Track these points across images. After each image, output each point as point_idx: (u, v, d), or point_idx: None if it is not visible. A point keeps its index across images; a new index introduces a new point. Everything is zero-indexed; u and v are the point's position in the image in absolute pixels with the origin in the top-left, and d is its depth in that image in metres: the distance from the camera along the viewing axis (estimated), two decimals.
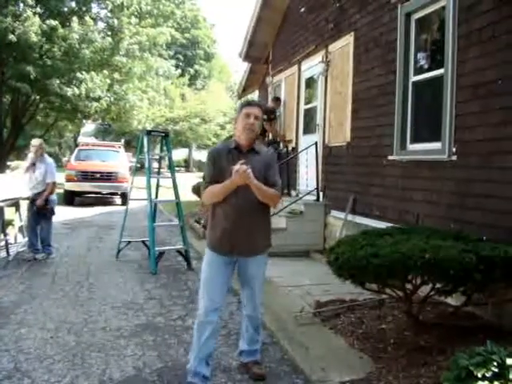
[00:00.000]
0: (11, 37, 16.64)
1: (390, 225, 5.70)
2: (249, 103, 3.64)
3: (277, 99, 11.20)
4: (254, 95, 18.65)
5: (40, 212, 7.77)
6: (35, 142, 8.04)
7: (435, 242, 3.87)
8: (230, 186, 3.35)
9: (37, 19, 17.19)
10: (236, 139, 3.58)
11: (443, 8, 5.52)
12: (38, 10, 18.15)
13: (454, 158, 5.21)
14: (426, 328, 4.28)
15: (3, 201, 7.68)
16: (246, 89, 14.90)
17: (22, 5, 17.71)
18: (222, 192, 3.41)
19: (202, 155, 48.10)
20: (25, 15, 17.02)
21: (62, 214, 12.57)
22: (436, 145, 5.55)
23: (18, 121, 20.99)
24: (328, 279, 5.66)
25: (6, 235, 7.89)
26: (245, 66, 13.89)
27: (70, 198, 16.17)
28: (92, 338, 4.45)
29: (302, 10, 9.91)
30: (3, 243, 7.68)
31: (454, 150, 5.23)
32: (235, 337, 4.54)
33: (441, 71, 5.49)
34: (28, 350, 4.12)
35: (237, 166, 3.24)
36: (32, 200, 7.83)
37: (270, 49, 12.18)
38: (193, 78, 43.58)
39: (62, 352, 4.11)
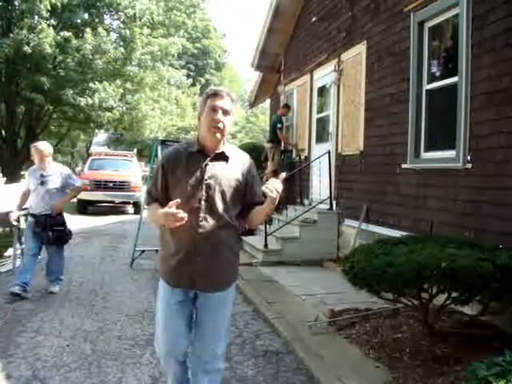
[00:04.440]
0: (26, 48, 16.89)
1: (404, 233, 5.70)
2: (216, 92, 2.70)
3: (286, 106, 11.24)
4: (266, 104, 18.74)
5: (54, 235, 6.12)
6: (43, 146, 6.28)
7: (451, 251, 3.86)
8: (159, 220, 2.58)
9: (51, 31, 17.44)
10: (200, 140, 2.75)
11: (456, 16, 5.53)
12: (52, 21, 18.40)
13: (469, 166, 5.20)
14: (442, 337, 4.25)
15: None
16: (257, 98, 14.98)
17: (36, 17, 17.93)
18: (155, 222, 2.70)
19: None
20: (39, 27, 17.25)
21: (76, 223, 12.66)
22: (450, 153, 5.54)
23: (32, 131, 21.21)
24: (342, 288, 5.67)
25: (22, 244, 7.95)
26: (256, 75, 13.97)
27: (83, 207, 16.30)
28: (108, 346, 4.48)
29: (314, 19, 9.95)
30: (19, 251, 7.73)
31: (468, 158, 5.21)
32: (250, 346, 4.56)
33: (455, 79, 5.49)
34: (45, 358, 4.15)
35: (172, 210, 2.47)
36: (38, 221, 6.11)
37: (281, 58, 12.24)
38: (204, 87, 43.78)
39: (79, 360, 4.13)
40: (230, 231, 2.76)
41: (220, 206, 2.68)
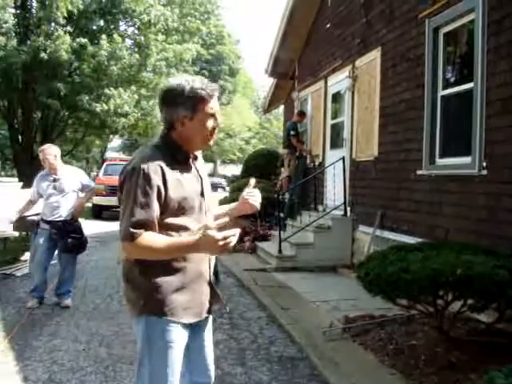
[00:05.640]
0: (43, 55, 17.08)
1: (418, 240, 5.67)
2: (212, 94, 2.21)
3: (302, 113, 11.24)
4: (280, 110, 18.77)
5: (71, 243, 5.87)
6: (51, 149, 5.95)
7: (466, 258, 3.84)
8: (193, 252, 2.12)
9: (67, 37, 17.62)
10: (181, 143, 2.21)
11: (472, 22, 5.51)
12: (69, 28, 18.61)
13: (484, 172, 5.17)
14: (457, 344, 4.22)
15: (37, 214, 7.78)
16: (271, 104, 15.03)
17: (53, 24, 18.16)
18: (176, 253, 2.13)
19: (226, 170, 48.40)
20: (56, 34, 17.45)
21: (91, 228, 12.77)
22: (466, 159, 5.51)
23: (48, 136, 21.39)
24: (356, 294, 5.66)
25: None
26: (270, 81, 14.02)
27: (99, 212, 16.46)
28: (123, 350, 4.50)
29: (328, 25, 9.97)
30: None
31: (484, 164, 5.18)
32: (265, 351, 4.56)
33: (470, 85, 5.46)
34: (61, 362, 4.20)
35: (219, 233, 1.98)
36: (55, 227, 5.85)
37: (295, 64, 12.27)
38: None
39: (95, 364, 4.17)
40: None
41: (210, 215, 2.36)
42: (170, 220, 2.14)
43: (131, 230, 2.04)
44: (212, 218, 2.35)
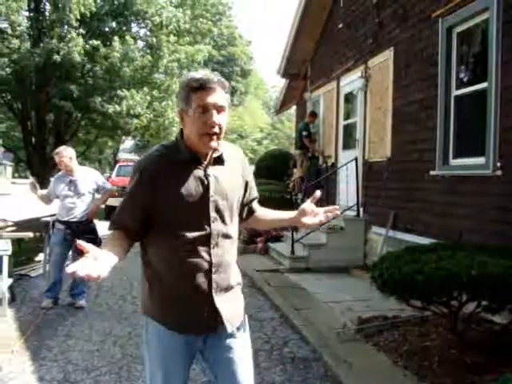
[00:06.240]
0: (56, 57, 17.20)
1: (432, 240, 5.64)
2: (203, 85, 1.93)
3: (313, 114, 11.22)
4: (292, 110, 18.74)
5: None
6: (66, 151, 6.00)
7: (481, 259, 3.81)
8: None
9: (80, 40, 17.74)
10: (188, 143, 2.02)
11: (486, 21, 5.48)
12: (82, 30, 18.73)
13: (499, 172, 5.13)
14: (471, 346, 4.19)
15: (51, 215, 7.84)
16: (283, 105, 15.00)
17: (66, 26, 18.29)
18: None
19: None
20: (69, 36, 17.58)
21: (104, 229, 12.84)
22: (479, 160, 5.48)
23: (61, 138, 21.53)
24: (368, 295, 5.64)
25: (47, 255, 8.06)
26: (282, 81, 14.02)
27: (111, 213, 16.54)
28: (137, 350, 4.51)
29: (341, 25, 9.95)
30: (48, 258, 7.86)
31: (498, 164, 5.14)
32: (278, 352, 4.56)
33: (484, 85, 5.43)
34: (76, 362, 4.23)
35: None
36: (70, 228, 5.90)
37: (307, 65, 12.26)
38: (230, 94, 44.09)
39: (109, 364, 4.20)
40: (235, 247, 2.20)
41: (229, 223, 2.11)
42: (164, 226, 2.02)
43: (110, 224, 2.14)
44: (231, 224, 2.14)
